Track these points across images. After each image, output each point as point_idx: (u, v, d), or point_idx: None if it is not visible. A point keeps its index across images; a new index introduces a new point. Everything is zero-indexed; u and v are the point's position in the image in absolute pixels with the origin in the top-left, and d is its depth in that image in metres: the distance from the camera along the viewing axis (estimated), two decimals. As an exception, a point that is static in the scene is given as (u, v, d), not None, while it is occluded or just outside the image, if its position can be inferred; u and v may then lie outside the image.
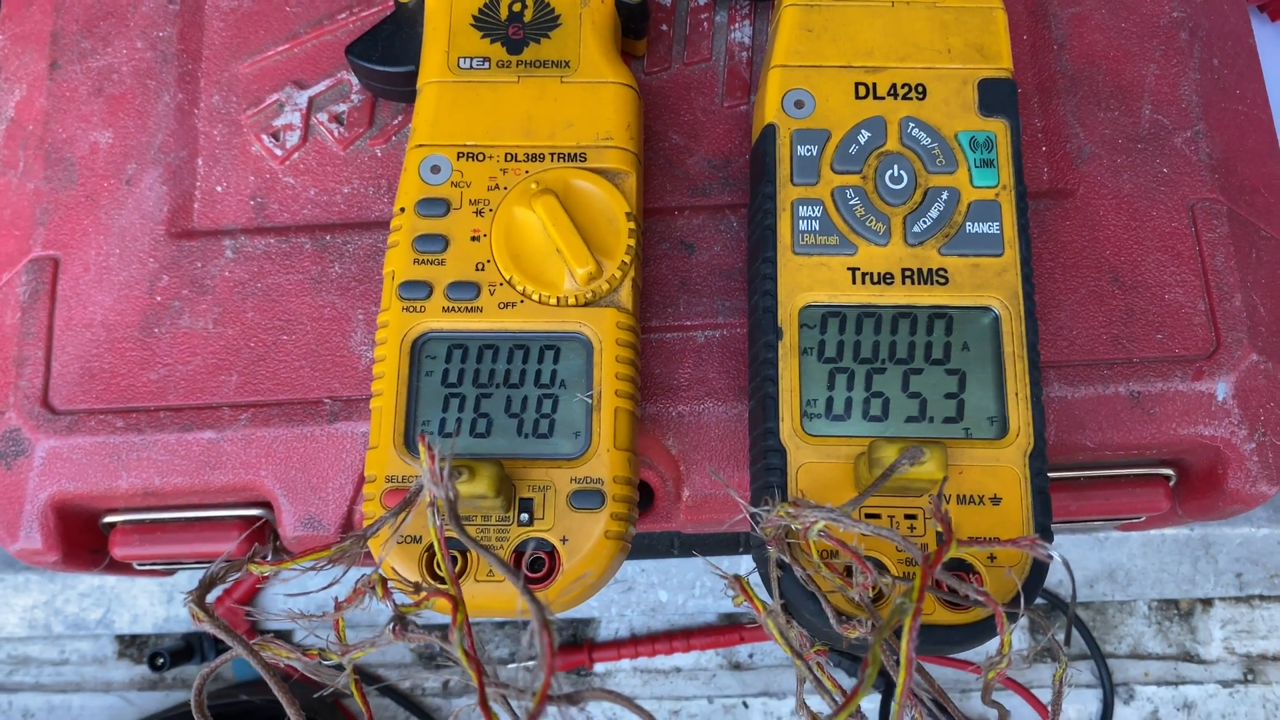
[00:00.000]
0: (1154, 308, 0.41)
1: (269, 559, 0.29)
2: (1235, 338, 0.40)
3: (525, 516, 0.34)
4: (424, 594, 0.26)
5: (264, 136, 0.44)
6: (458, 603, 0.24)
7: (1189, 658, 0.61)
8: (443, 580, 0.32)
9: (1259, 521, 0.59)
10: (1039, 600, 0.60)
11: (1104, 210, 0.42)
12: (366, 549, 0.30)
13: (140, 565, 0.44)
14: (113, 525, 0.42)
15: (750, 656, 0.62)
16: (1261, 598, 0.61)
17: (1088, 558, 0.60)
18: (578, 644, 0.61)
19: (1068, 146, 0.43)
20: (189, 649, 0.62)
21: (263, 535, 0.42)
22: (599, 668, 0.61)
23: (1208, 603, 0.62)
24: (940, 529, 0.27)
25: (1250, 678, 0.61)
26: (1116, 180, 0.42)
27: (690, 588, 0.60)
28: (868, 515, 0.33)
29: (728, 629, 0.61)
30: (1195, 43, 0.45)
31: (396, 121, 0.44)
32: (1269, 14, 0.56)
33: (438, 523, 0.26)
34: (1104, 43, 0.45)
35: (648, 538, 0.54)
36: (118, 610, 0.62)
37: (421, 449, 0.26)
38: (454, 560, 0.33)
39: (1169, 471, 0.42)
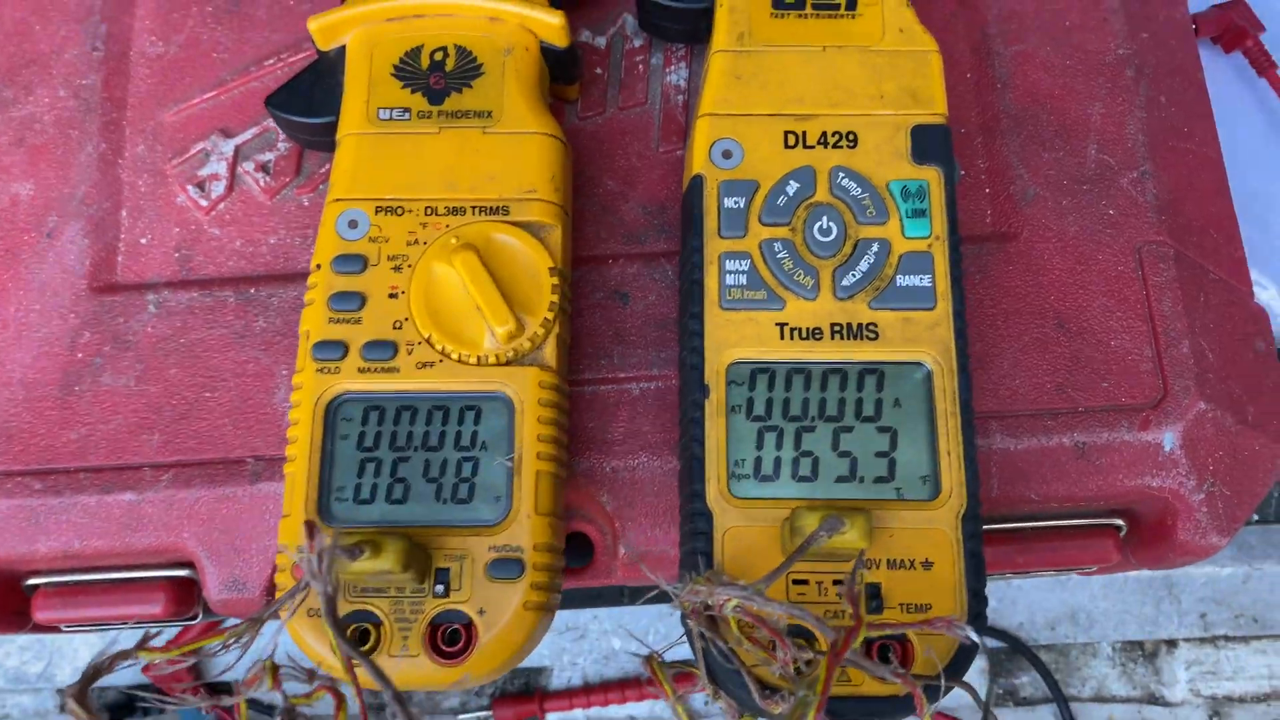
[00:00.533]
0: (1099, 355, 0.40)
1: (164, 641, 0.27)
2: (1183, 385, 0.39)
3: (441, 588, 0.32)
4: (316, 685, 0.25)
5: (189, 187, 0.43)
6: (342, 699, 0.23)
7: (1154, 700, 0.60)
8: (363, 651, 0.31)
9: (1223, 561, 0.58)
10: (996, 644, 0.59)
11: (1048, 254, 0.41)
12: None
13: (67, 628, 0.43)
14: (35, 588, 0.41)
15: (705, 704, 0.61)
16: (1226, 638, 0.60)
17: (1048, 599, 0.59)
18: (529, 693, 0.60)
19: (1011, 188, 0.42)
20: (130, 704, 0.60)
21: (189, 596, 0.41)
22: (551, 717, 0.60)
23: (1172, 644, 0.61)
24: (850, 609, 0.26)
25: (1216, 720, 0.60)
26: (1061, 223, 0.41)
27: (644, 635, 0.59)
28: (796, 581, 0.32)
29: (682, 677, 0.60)
30: (1142, 80, 0.44)
31: (324, 170, 0.43)
32: (1222, 45, 0.55)
33: (327, 612, 0.24)
34: (1048, 81, 0.44)
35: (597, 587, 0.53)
36: (59, 663, 0.61)
37: (304, 539, 0.25)
38: (362, 637, 0.32)
39: (1119, 522, 0.40)
